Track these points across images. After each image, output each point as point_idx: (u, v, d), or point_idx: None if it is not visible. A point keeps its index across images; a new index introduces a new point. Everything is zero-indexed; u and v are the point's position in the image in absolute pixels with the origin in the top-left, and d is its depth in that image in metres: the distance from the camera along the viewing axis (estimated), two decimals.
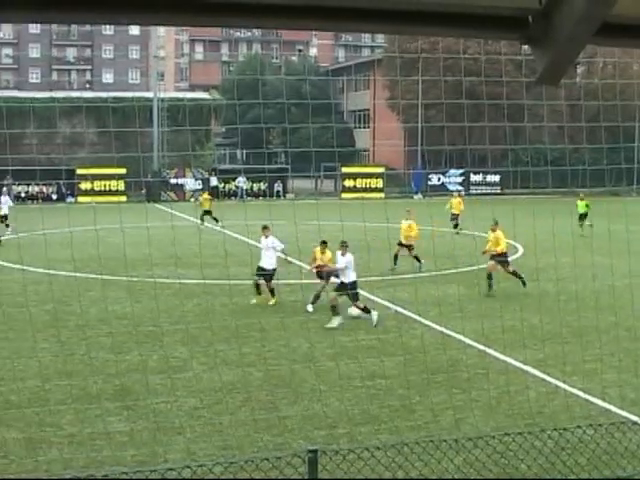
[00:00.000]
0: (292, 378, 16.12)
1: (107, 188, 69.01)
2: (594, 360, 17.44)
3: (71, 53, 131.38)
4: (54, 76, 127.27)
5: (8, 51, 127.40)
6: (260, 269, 24.02)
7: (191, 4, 5.18)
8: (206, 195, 49.16)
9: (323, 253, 23.89)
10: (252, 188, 72.82)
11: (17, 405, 14.58)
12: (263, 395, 15.35)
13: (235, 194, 70.97)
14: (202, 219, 45.11)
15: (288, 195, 72.25)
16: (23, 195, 68.10)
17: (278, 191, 73.50)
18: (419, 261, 29.62)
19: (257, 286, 23.88)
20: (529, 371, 17.32)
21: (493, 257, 26.28)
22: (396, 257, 29.80)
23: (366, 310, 21.51)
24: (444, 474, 10.78)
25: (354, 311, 22.73)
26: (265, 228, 24.54)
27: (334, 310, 21.29)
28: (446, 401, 14.86)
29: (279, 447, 12.64)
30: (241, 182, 71.28)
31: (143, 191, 69.02)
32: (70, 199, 68.62)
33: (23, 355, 17.67)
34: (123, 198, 67.85)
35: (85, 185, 68.83)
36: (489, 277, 25.78)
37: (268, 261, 24.12)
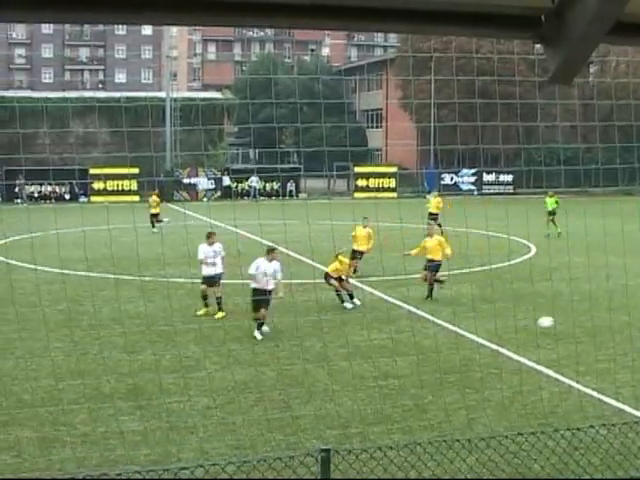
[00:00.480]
0: (305, 378, 16.13)
1: (120, 188, 69.11)
2: (607, 360, 17.40)
3: (84, 53, 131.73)
4: (67, 76, 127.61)
5: (21, 51, 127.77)
6: (207, 277, 22.99)
7: (198, 3, 5.19)
8: (155, 197, 47.00)
9: None
10: (265, 188, 72.80)
11: (30, 404, 14.65)
12: (276, 394, 15.35)
13: (248, 194, 70.96)
14: (153, 224, 43.73)
15: (301, 195, 72.26)
16: (36, 195, 68.22)
17: (291, 191, 73.48)
18: (355, 271, 27.40)
19: (205, 297, 22.97)
20: (542, 371, 17.29)
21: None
22: (355, 270, 27.81)
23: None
24: (457, 474, 10.78)
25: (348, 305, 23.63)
26: (210, 235, 23.55)
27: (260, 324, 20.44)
28: (459, 401, 14.85)
29: (292, 446, 12.64)
30: (254, 182, 71.26)
31: (156, 191, 69.06)
32: (83, 199, 68.75)
33: (36, 354, 17.73)
34: (136, 198, 67.90)
35: (98, 185, 68.94)
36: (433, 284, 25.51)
37: (213, 268, 22.95)
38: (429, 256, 25.46)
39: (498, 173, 76.69)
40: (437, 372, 16.17)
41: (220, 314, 22.36)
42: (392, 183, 75.25)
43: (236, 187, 72.22)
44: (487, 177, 76.91)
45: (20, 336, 19.25)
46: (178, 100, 75.49)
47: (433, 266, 25.31)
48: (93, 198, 68.17)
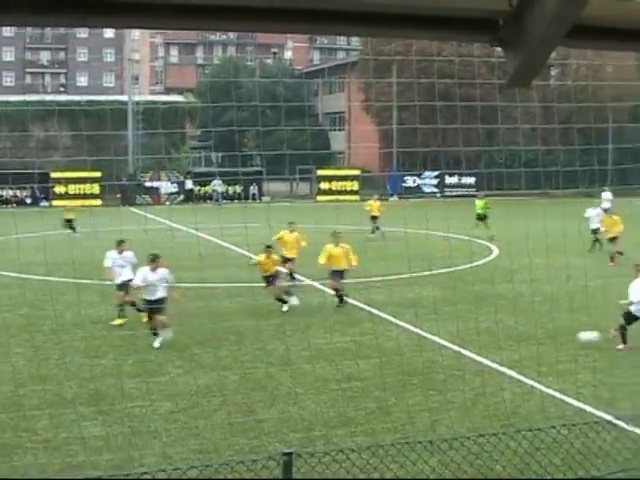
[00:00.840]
0: (268, 381, 16.12)
1: (82, 192, 68.72)
2: (569, 360, 17.50)
3: (45, 56, 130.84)
4: (28, 79, 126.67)
5: None
6: (119, 285, 22.43)
7: (159, 7, 5.16)
8: (70, 203, 46.21)
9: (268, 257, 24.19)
10: (227, 191, 72.73)
11: None
12: (239, 398, 15.32)
13: (210, 197, 70.82)
14: (72, 228, 42.58)
15: (264, 198, 72.24)
16: None
17: (254, 194, 73.46)
18: (293, 278, 27.22)
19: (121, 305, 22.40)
20: (505, 372, 17.39)
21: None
22: (292, 275, 27.38)
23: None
24: (419, 476, 10.80)
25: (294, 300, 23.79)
26: (120, 243, 23.17)
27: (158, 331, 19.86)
28: (422, 403, 14.88)
29: (255, 450, 12.63)
30: (217, 185, 71.17)
31: (118, 195, 68.80)
32: (44, 203, 68.27)
33: None
34: (98, 202, 67.62)
35: (59, 189, 68.50)
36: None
37: (120, 277, 22.48)
38: (335, 265, 24.99)
39: (460, 175, 77.04)
40: (400, 374, 16.20)
41: (119, 321, 21.89)
42: (355, 186, 75.40)
43: (199, 190, 72.13)
44: (449, 179, 77.26)
45: None
46: (140, 103, 75.28)
47: (338, 274, 24.94)
48: (55, 202, 67.68)
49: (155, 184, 72.31)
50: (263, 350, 18.50)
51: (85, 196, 67.81)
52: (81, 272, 27.52)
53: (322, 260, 24.90)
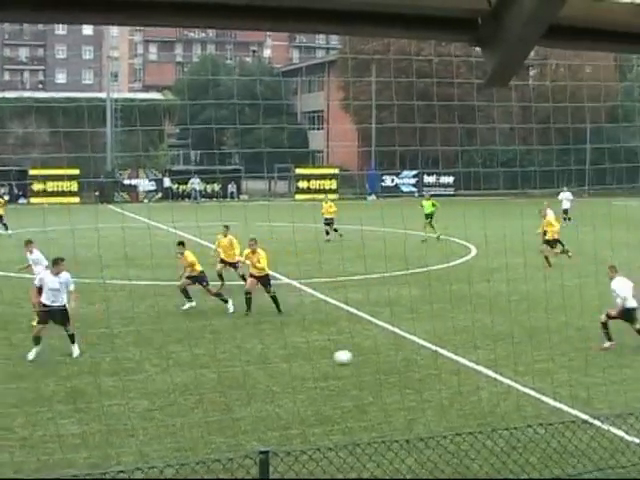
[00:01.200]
0: (245, 379, 16.10)
1: (60, 189, 68.38)
2: (545, 360, 17.59)
3: (23, 53, 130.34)
4: (6, 76, 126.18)
5: None
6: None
7: (138, 3, 5.15)
8: (48, 200, 46.31)
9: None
10: (206, 189, 72.60)
11: None
12: (216, 397, 15.29)
13: (189, 195, 70.67)
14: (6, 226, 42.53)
15: (242, 196, 72.16)
16: None
17: (232, 192, 73.34)
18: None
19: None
20: (481, 371, 17.44)
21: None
22: (220, 275, 26.52)
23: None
24: (396, 475, 10.82)
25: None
26: (28, 243, 22.61)
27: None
28: (399, 402, 14.90)
29: (233, 449, 12.61)
30: (195, 183, 71.04)
31: (96, 192, 68.55)
32: (22, 200, 67.94)
33: None
34: (76, 199, 67.34)
35: (38, 186, 68.14)
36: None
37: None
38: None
39: (439, 175, 77.16)
40: (377, 373, 16.22)
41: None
42: (333, 185, 75.37)
43: (177, 188, 71.98)
44: (428, 179, 77.34)
45: None
46: (119, 101, 75.01)
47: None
48: (33, 199, 67.39)
49: (133, 182, 72.08)
50: (240, 348, 18.50)
51: (63, 193, 67.48)
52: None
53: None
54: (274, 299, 23.21)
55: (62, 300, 18.64)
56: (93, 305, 23.41)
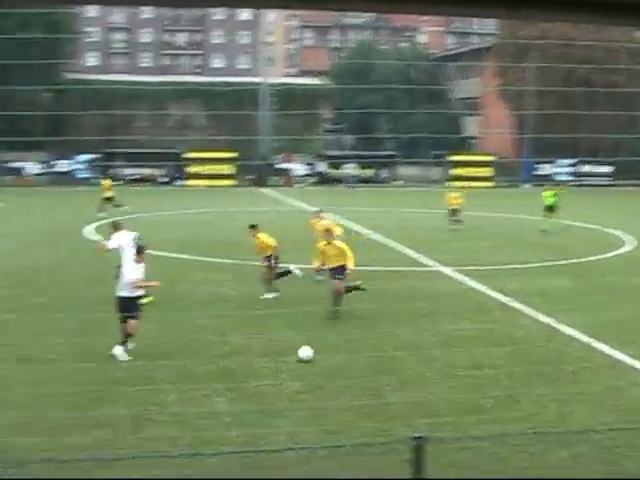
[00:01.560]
0: (396, 365, 16.08)
1: (216, 172, 69.55)
2: None
3: (182, 38, 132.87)
4: (165, 61, 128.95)
5: (121, 36, 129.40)
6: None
7: None
8: (107, 181, 45.52)
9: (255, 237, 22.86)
10: (360, 175, 72.76)
11: (124, 383, 14.84)
12: (366, 381, 15.30)
13: (342, 180, 70.98)
14: (114, 205, 42.36)
15: (396, 182, 72.08)
16: (134, 178, 69.16)
17: (386, 178, 73.31)
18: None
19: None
20: (638, 367, 16.95)
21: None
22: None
23: None
24: (547, 467, 10.64)
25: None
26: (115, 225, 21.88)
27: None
28: (551, 394, 14.66)
29: (382, 434, 12.56)
30: (349, 168, 71.30)
31: (251, 176, 69.56)
32: (179, 182, 69.48)
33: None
34: (232, 182, 68.50)
35: (195, 168, 69.53)
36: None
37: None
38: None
39: (596, 164, 75.34)
40: (529, 364, 15.99)
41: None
42: (488, 172, 74.37)
43: (330, 174, 72.34)
44: (585, 168, 75.65)
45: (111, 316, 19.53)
46: (274, 85, 75.77)
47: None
48: (189, 182, 68.81)
49: (287, 166, 72.78)
50: (391, 334, 18.47)
51: (220, 176, 68.70)
52: (213, 251, 27.97)
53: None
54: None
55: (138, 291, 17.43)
56: (246, 286, 23.68)
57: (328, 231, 21.83)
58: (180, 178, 69.81)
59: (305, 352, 16.53)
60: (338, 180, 71.32)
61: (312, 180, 71.87)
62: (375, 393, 14.65)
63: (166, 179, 69.90)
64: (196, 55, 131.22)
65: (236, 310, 19.88)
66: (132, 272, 17.32)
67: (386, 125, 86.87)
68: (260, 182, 68.24)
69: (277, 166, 72.36)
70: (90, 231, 35.83)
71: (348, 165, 71.34)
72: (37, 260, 27.20)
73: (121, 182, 67.43)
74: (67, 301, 21.30)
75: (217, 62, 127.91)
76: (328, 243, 21.17)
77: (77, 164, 69.74)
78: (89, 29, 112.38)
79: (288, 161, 73.05)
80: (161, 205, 44.55)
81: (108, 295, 18.17)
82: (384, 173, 73.31)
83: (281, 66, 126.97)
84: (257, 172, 70.11)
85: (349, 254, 20.84)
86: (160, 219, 40.23)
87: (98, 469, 10.43)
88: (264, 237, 23.02)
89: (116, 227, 21.65)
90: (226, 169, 69.68)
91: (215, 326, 18.88)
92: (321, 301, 21.78)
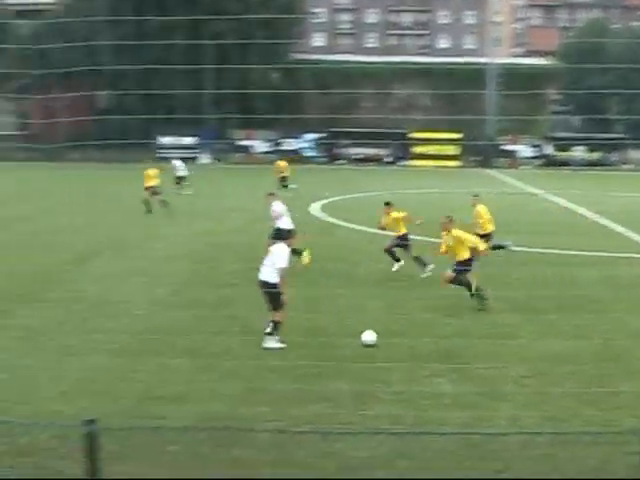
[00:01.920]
0: (624, 354, 15.59)
1: (441, 152, 69.42)
2: None
3: (407, 18, 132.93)
4: (390, 41, 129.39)
5: (347, 17, 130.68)
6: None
7: None
8: (282, 162, 45.55)
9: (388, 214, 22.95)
10: (587, 157, 70.99)
11: (346, 359, 15.01)
12: (592, 368, 14.90)
13: (569, 163, 69.43)
14: (284, 186, 42.38)
15: (625, 166, 69.94)
16: (359, 157, 69.96)
17: (615, 161, 71.20)
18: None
19: None
20: None
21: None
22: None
23: None
24: None
25: None
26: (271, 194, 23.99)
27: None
28: None
29: (606, 423, 12.20)
30: (578, 151, 69.67)
31: (477, 157, 69.07)
32: (403, 162, 69.73)
33: (355, 311, 18.22)
34: (457, 162, 68.25)
35: (420, 149, 69.61)
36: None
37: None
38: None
39: None
40: None
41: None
42: None
43: (558, 156, 70.85)
44: None
45: (344, 293, 19.81)
46: (500, 66, 74.81)
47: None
48: (414, 162, 68.94)
49: (512, 147, 71.81)
50: (621, 321, 17.92)
51: (444, 157, 68.57)
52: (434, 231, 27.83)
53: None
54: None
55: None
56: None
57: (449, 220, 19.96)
58: (404, 158, 70.07)
59: (369, 336, 15.97)
60: (565, 163, 69.79)
61: (537, 162, 70.63)
62: (601, 381, 14.24)
63: (390, 159, 70.34)
64: (422, 35, 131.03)
65: (455, 291, 19.67)
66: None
67: (617, 107, 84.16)
68: (485, 163, 67.64)
69: (503, 147, 71.50)
70: (316, 208, 36.45)
71: (576, 148, 69.65)
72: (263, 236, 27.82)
73: (345, 161, 68.59)
74: (294, 278, 21.70)
75: (443, 42, 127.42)
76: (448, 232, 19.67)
77: (303, 142, 71.18)
78: (316, 10, 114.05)
79: (514, 142, 72.04)
80: (383, 185, 44.71)
81: (334, 273, 18.38)
82: (613, 156, 71.22)
83: (507, 46, 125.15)
84: (483, 153, 69.50)
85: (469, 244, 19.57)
86: (381, 198, 40.44)
87: (321, 442, 10.62)
88: (397, 215, 23.04)
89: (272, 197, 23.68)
90: (451, 150, 69.45)
91: (441, 306, 18.83)
92: (545, 285, 21.38)
